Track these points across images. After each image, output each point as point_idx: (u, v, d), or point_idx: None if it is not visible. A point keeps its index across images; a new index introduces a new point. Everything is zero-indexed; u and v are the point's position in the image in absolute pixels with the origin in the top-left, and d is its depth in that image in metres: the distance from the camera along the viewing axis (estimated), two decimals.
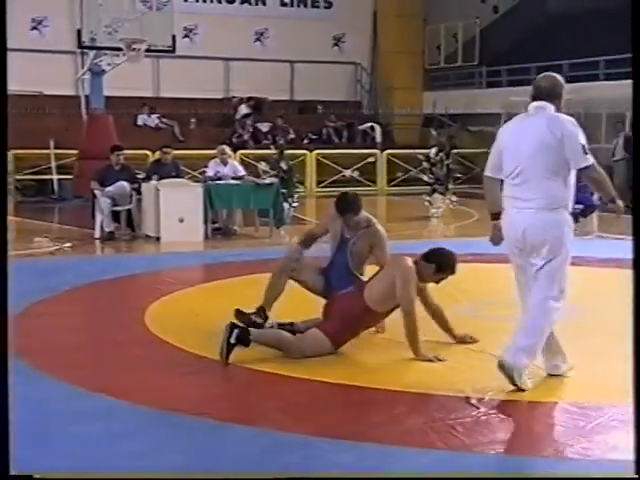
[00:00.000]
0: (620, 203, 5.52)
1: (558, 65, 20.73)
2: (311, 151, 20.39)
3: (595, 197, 13.00)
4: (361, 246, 6.55)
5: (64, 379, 5.18)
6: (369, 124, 23.22)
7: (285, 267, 6.59)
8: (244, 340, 5.62)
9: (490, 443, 4.26)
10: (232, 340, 5.58)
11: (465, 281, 8.65)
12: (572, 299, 7.59)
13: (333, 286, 6.44)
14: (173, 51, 17.34)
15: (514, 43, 24.36)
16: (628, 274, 8.76)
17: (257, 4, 23.73)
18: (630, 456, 4.12)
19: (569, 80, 22.05)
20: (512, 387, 5.05)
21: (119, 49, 16.50)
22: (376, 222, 6.67)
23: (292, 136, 21.43)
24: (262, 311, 6.47)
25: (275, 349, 5.77)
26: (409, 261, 5.88)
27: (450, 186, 15.74)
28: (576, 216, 13.25)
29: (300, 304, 6.68)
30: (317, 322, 6.05)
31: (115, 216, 12.25)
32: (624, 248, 10.52)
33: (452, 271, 5.97)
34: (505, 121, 21.74)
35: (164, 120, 21.23)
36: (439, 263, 5.92)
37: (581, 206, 12.62)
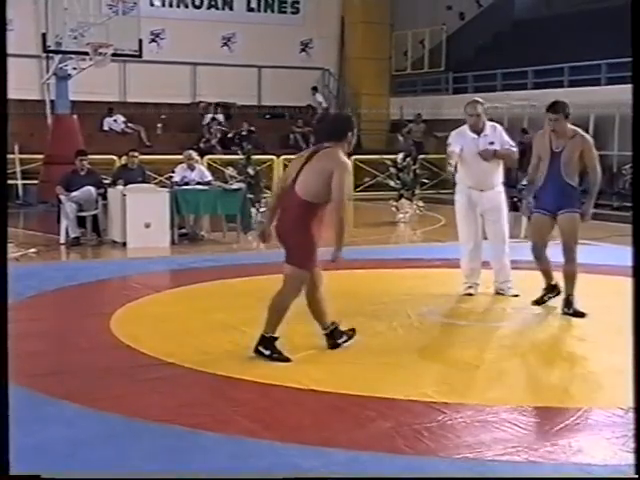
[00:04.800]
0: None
1: (523, 71, 20.96)
2: (278, 157, 20.38)
3: None
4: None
5: (29, 386, 5.12)
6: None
7: None
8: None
9: (456, 447, 4.29)
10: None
11: (433, 285, 8.73)
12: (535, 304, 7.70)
13: None
14: (140, 55, 17.24)
15: (480, 49, 24.58)
16: (592, 278, 8.86)
17: (224, 9, 23.70)
18: (594, 460, 4.19)
19: (534, 86, 22.32)
20: (478, 390, 5.11)
21: (85, 53, 16.40)
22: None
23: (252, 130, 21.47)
24: None
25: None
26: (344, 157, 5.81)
27: (417, 191, 15.81)
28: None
29: None
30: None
31: (81, 221, 12.16)
32: (588, 252, 10.56)
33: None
34: None
35: (130, 125, 21.12)
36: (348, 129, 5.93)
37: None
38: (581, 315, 7.22)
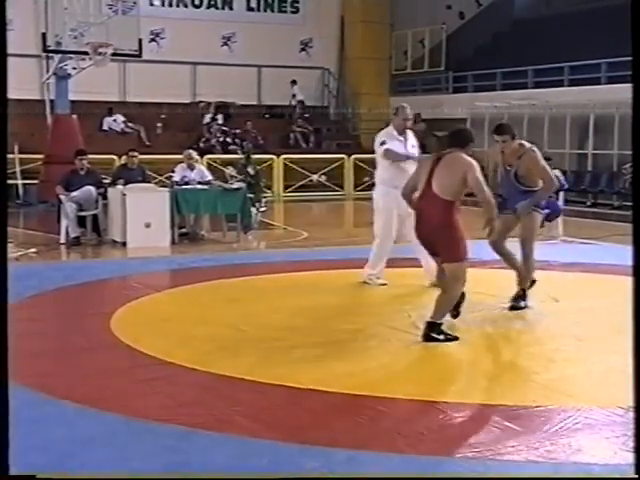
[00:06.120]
0: None
1: (523, 71, 20.96)
2: (278, 156, 20.40)
3: (560, 202, 13.13)
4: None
5: (29, 385, 5.12)
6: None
7: None
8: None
9: (456, 447, 4.29)
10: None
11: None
12: (537, 303, 7.72)
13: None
14: (139, 55, 17.24)
15: (480, 49, 24.56)
16: (592, 278, 8.89)
17: (224, 8, 23.70)
18: (594, 459, 4.19)
19: (534, 86, 22.29)
20: (478, 390, 5.12)
21: (85, 53, 16.39)
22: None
23: (261, 141, 21.45)
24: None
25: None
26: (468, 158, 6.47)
27: None
28: (541, 220, 13.45)
29: None
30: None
31: (81, 221, 12.16)
32: (589, 252, 10.61)
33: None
34: (471, 125, 21.96)
35: (130, 124, 21.11)
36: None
37: (546, 211, 12.73)
38: (518, 309, 7.49)
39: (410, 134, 8.85)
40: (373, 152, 9.10)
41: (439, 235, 6.39)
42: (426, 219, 6.47)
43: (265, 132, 22.20)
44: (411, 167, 8.46)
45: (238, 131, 21.44)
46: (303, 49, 24.74)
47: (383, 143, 8.69)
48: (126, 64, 21.36)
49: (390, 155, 8.61)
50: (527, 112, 19.87)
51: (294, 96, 23.67)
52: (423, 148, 17.24)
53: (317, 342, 6.39)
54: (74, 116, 17.63)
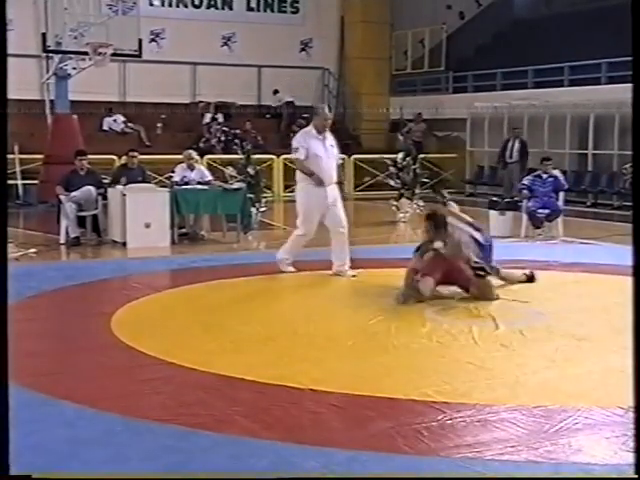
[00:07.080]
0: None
1: (523, 71, 20.96)
2: (278, 156, 20.38)
3: (560, 202, 13.15)
4: None
5: (28, 386, 5.12)
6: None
7: None
8: None
9: (456, 447, 4.28)
10: None
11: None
12: (537, 303, 7.72)
13: None
14: (139, 55, 17.23)
15: (480, 49, 24.56)
16: (592, 278, 8.89)
17: (224, 9, 23.69)
18: (594, 459, 4.19)
19: (534, 86, 22.29)
20: (478, 390, 5.11)
21: (85, 53, 16.39)
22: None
23: (261, 142, 21.44)
24: None
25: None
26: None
27: (417, 191, 15.80)
28: (541, 221, 13.50)
29: None
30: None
31: (81, 221, 12.16)
32: (589, 252, 10.60)
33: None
34: (471, 126, 21.90)
35: (130, 125, 21.11)
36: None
37: (547, 211, 12.75)
38: None
39: (329, 134, 9.26)
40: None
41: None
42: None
43: (265, 132, 22.17)
44: (329, 164, 9.12)
45: (238, 131, 21.40)
46: (303, 49, 24.73)
47: (296, 149, 9.15)
48: (126, 64, 21.35)
49: (299, 165, 9.15)
50: (527, 112, 19.88)
51: (280, 100, 23.57)
52: (420, 148, 17.35)
53: (317, 342, 6.39)
54: (74, 116, 17.62)
